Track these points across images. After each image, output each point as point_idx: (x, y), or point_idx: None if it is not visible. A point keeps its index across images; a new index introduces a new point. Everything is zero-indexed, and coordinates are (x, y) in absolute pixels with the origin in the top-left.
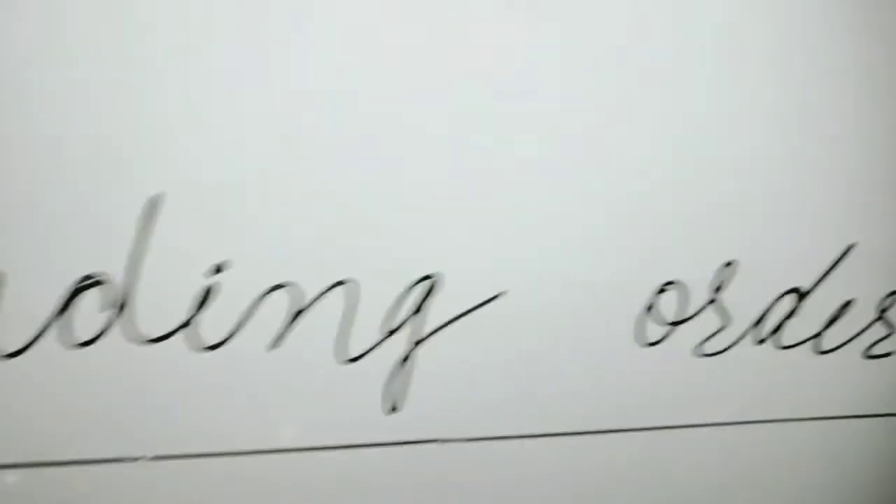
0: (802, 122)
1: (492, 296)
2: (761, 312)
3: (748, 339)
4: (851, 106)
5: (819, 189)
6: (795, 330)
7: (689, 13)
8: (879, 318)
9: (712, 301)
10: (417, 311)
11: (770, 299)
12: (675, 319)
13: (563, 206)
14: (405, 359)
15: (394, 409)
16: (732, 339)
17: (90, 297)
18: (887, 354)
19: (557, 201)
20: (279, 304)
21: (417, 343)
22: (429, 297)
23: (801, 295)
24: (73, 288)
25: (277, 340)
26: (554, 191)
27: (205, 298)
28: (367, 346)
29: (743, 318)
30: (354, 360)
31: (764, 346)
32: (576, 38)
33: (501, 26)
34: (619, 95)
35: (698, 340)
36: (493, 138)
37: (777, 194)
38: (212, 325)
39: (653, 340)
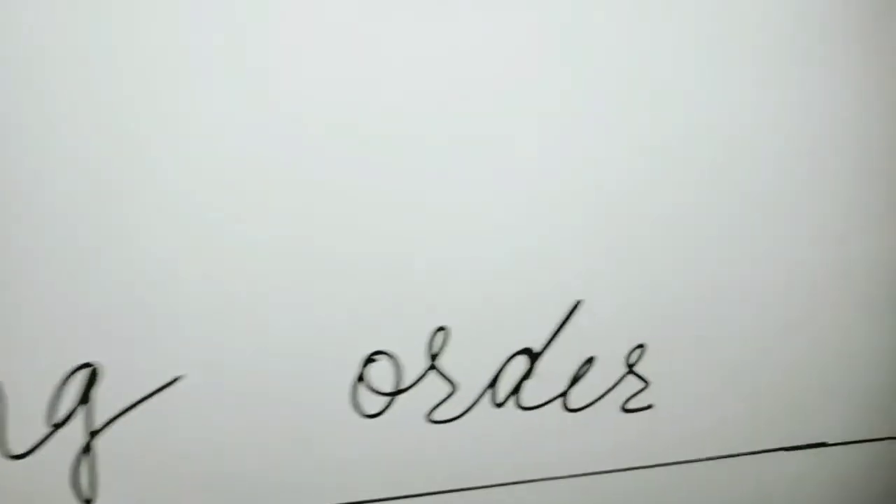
0: (536, 181)
1: (170, 380)
2: (492, 376)
3: (485, 403)
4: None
5: (542, 248)
6: (538, 390)
7: None
8: (630, 373)
9: (432, 367)
10: (85, 401)
11: (499, 362)
12: (393, 389)
13: (262, 278)
14: (86, 450)
15: (88, 501)
16: (467, 404)
17: None
18: (647, 407)
19: (262, 274)
20: None
21: (94, 433)
22: (93, 386)
23: (534, 355)
24: None
25: None
26: (254, 264)
27: None
28: (34, 441)
29: (472, 382)
30: (21, 456)
31: (504, 408)
32: None
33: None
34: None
35: (428, 408)
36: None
37: (490, 260)
38: None
39: (374, 412)
